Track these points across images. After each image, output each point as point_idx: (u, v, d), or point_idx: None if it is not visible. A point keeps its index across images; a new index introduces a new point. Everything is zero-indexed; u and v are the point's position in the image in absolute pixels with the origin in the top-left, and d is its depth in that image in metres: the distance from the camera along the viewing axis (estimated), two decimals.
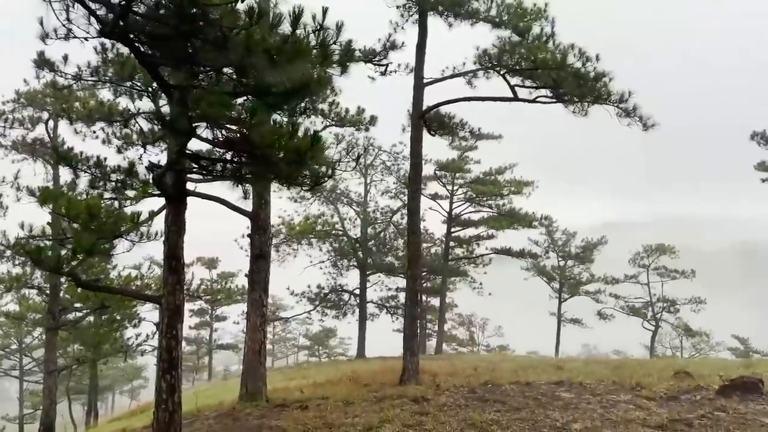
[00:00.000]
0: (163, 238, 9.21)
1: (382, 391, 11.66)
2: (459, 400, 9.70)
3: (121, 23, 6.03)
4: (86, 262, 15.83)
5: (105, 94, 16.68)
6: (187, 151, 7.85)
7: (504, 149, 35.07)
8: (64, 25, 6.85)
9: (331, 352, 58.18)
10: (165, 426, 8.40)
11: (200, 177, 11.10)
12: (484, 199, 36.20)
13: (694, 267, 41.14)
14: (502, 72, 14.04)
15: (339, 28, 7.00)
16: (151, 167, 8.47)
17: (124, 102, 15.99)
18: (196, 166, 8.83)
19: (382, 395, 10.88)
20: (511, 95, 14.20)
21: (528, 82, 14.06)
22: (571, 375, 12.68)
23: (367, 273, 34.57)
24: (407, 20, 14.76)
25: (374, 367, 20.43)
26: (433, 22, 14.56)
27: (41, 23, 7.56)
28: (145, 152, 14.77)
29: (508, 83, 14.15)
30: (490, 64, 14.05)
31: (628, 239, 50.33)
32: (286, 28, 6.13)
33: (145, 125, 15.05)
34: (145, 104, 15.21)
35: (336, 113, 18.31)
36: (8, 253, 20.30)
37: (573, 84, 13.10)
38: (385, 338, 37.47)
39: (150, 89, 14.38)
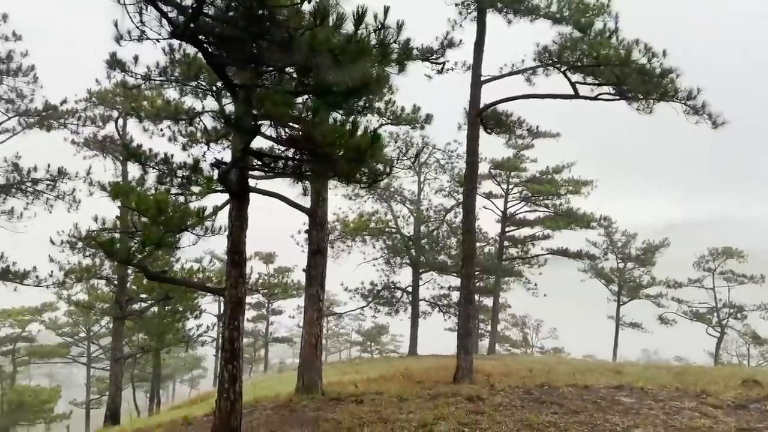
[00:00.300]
0: (226, 233, 9.54)
1: (435, 388, 11.68)
2: (515, 401, 9.61)
3: (192, 25, 6.28)
4: (152, 255, 16.51)
5: (171, 93, 17.29)
6: (251, 149, 8.10)
7: (562, 147, 34.35)
8: (137, 27, 7.20)
9: (383, 348, 58.51)
10: (226, 414, 8.70)
11: (261, 174, 11.40)
12: (541, 198, 35.54)
13: (764, 272, 39.11)
14: (562, 69, 13.78)
15: (399, 27, 7.05)
16: (217, 164, 8.77)
17: (189, 101, 16.54)
18: (259, 163, 9.09)
19: (436, 393, 10.90)
20: (571, 92, 13.91)
21: (590, 79, 13.74)
22: (631, 380, 12.32)
23: (420, 271, 34.58)
24: (465, 18, 14.68)
25: (427, 364, 20.45)
26: (492, 19, 14.43)
27: (116, 25, 7.93)
28: (208, 149, 15.33)
29: (569, 80, 13.87)
30: (550, 61, 13.80)
31: (692, 241, 48.37)
32: (348, 27, 6.26)
33: (209, 123, 15.58)
34: (209, 103, 15.71)
35: (392, 111, 18.43)
36: (80, 244, 21.42)
37: (637, 81, 12.71)
38: (437, 336, 37.38)
39: (214, 88, 14.83)
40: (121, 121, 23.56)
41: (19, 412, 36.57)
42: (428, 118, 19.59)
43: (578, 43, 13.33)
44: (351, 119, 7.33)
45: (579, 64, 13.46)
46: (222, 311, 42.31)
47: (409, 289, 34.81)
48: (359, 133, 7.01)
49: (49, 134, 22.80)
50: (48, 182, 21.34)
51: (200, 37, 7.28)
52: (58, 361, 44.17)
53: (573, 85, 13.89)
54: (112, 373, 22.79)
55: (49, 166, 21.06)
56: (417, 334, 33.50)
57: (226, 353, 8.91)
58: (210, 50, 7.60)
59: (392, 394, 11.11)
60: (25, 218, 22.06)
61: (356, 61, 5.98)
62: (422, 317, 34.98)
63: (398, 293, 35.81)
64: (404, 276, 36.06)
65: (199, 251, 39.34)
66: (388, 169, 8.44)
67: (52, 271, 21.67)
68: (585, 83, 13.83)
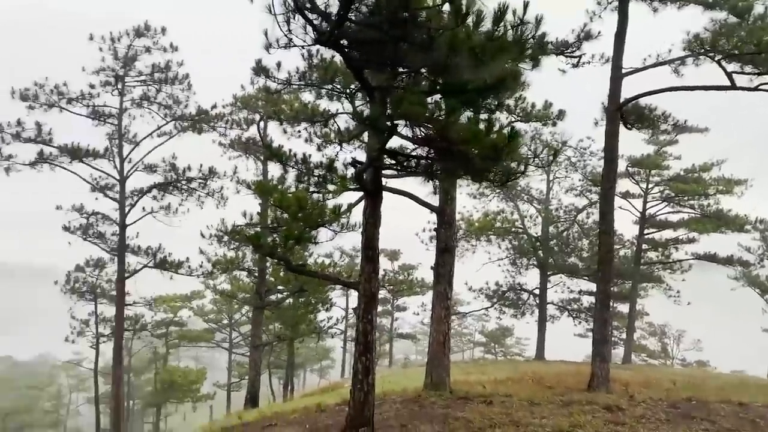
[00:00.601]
0: (361, 230, 9.88)
1: (568, 395, 11.25)
2: (658, 414, 8.99)
3: (335, 31, 6.58)
4: (292, 249, 17.49)
5: (306, 96, 18.18)
6: (388, 148, 8.33)
7: (711, 142, 31.44)
8: (285, 35, 7.68)
9: (507, 350, 57.37)
10: (360, 404, 9.02)
11: (393, 173, 11.67)
12: (685, 198, 32.81)
13: None
14: (716, 58, 12.63)
15: (538, 22, 6.88)
16: (353, 163, 9.12)
17: (323, 103, 17.30)
18: (392, 162, 9.31)
19: (569, 399, 10.50)
20: (727, 83, 12.71)
21: (748, 68, 12.47)
22: None
23: (548, 273, 33.39)
24: (605, 8, 13.95)
25: (556, 369, 19.75)
26: (635, 8, 13.58)
27: (266, 35, 8.52)
28: (341, 149, 15.95)
29: (724, 70, 12.68)
30: (702, 50, 12.72)
31: None
32: (487, 25, 6.22)
33: (342, 125, 16.21)
34: (344, 105, 16.34)
35: (522, 108, 17.96)
36: (225, 238, 23.24)
37: None
38: (566, 342, 35.94)
39: (348, 91, 15.44)
40: (262, 124, 25.22)
41: (170, 391, 40.47)
42: (560, 114, 18.85)
43: (735, 29, 12.16)
44: (486, 117, 7.27)
45: (736, 52, 12.26)
46: (349, 305, 43.95)
47: (536, 291, 33.76)
48: (495, 130, 6.95)
49: (200, 137, 25.04)
50: (200, 180, 23.45)
51: (341, 42, 7.62)
52: (204, 345, 48.14)
53: (729, 75, 12.68)
54: (252, 359, 24.46)
55: (201, 166, 23.14)
56: (544, 339, 32.42)
57: (359, 346, 9.24)
58: (350, 54, 7.93)
59: (522, 398, 10.87)
60: (180, 213, 24.48)
61: (496, 58, 5.93)
62: (550, 321, 33.77)
63: (524, 295, 34.85)
64: (531, 278, 35.03)
65: (328, 247, 41.09)
66: (522, 168, 8.28)
67: (201, 263, 23.78)
68: (743, 73, 12.57)
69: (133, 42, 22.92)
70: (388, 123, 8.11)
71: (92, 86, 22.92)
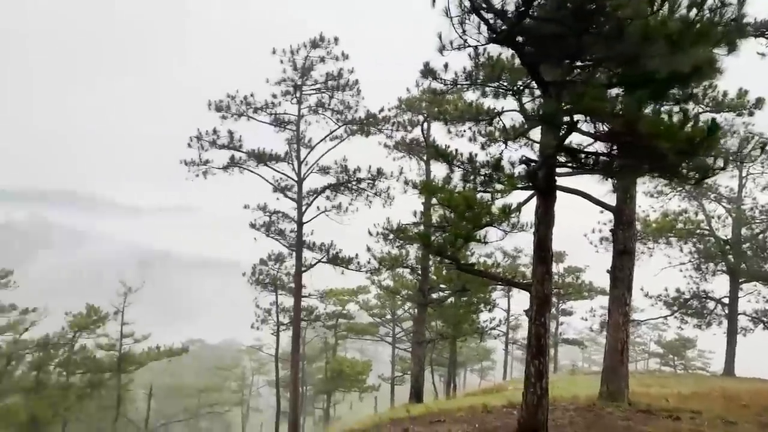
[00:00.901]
0: (532, 230, 9.66)
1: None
2: None
3: (513, 29, 6.52)
4: (460, 248, 17.60)
5: (469, 95, 18.15)
6: (565, 145, 8.05)
7: None
8: (460, 36, 7.78)
9: (687, 363, 52.25)
10: (533, 408, 8.83)
11: (566, 171, 11.23)
12: None
13: None
14: None
15: (741, 2, 6.20)
16: (525, 162, 8.95)
17: (487, 102, 17.15)
18: (567, 159, 8.97)
19: None
20: None
21: None
22: None
23: (740, 280, 29.81)
24: None
25: (751, 387, 17.59)
26: None
27: (440, 37, 8.70)
28: (506, 148, 15.69)
29: None
30: None
31: None
32: (682, 9, 5.75)
33: (508, 123, 15.95)
34: (509, 103, 16.08)
35: (711, 97, 16.28)
36: (391, 236, 24.07)
37: None
38: (762, 357, 31.81)
39: (515, 88, 15.16)
40: (426, 125, 25.69)
41: (338, 380, 42.90)
42: (758, 103, 16.81)
43: None
44: (679, 109, 6.70)
45: None
46: (511, 307, 43.10)
47: (725, 300, 30.29)
48: (690, 123, 6.38)
49: (367, 139, 26.22)
50: (368, 181, 24.58)
51: (516, 39, 7.52)
52: (368, 338, 50.24)
53: None
54: (415, 355, 25.05)
55: (369, 167, 24.24)
56: (734, 353, 29.00)
57: (532, 348, 9.04)
58: (524, 50, 7.79)
59: (714, 415, 9.86)
60: (349, 212, 25.87)
61: (694, 45, 5.44)
62: (741, 333, 30.12)
63: (710, 304, 31.45)
64: (719, 285, 31.49)
65: (488, 247, 40.56)
66: (721, 163, 7.48)
67: (369, 259, 24.86)
68: None
69: (309, 53, 24.68)
70: (566, 119, 7.84)
71: (274, 96, 25.10)
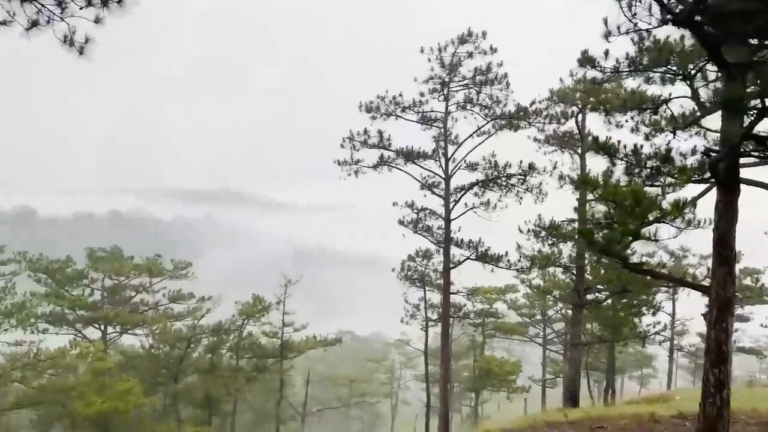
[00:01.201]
0: (712, 227, 8.83)
1: None
2: None
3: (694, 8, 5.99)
4: (626, 246, 16.57)
5: (629, 83, 16.94)
6: (753, 134, 7.25)
7: None
8: (630, 20, 7.32)
9: None
10: (712, 420, 8.12)
11: (752, 161, 10.08)
12: None
13: None
14: None
15: None
16: (706, 153, 8.20)
17: (651, 89, 15.93)
18: (756, 148, 8.08)
19: None
20: None
21: None
22: None
23: None
24: None
25: None
26: None
27: (605, 23, 8.26)
28: (674, 138, 14.45)
29: None
30: None
31: None
32: None
33: (676, 110, 14.68)
34: (678, 89, 14.80)
35: None
36: (543, 233, 23.28)
37: None
38: None
39: (685, 72, 13.90)
40: (580, 117, 24.46)
41: (486, 378, 42.46)
42: None
43: None
44: None
45: None
46: (676, 310, 39.66)
47: None
48: None
49: (515, 134, 25.59)
50: (519, 177, 24.01)
51: (695, 18, 6.90)
52: (517, 338, 49.10)
53: None
54: (570, 358, 24.03)
55: (521, 162, 23.67)
56: None
57: (711, 355, 8.33)
58: (705, 31, 7.12)
59: None
60: (498, 209, 25.43)
61: None
62: None
63: None
64: None
65: (652, 246, 37.71)
66: None
67: (520, 257, 24.29)
68: None
69: (457, 49, 24.63)
70: (755, 103, 7.05)
71: (422, 94, 25.41)
